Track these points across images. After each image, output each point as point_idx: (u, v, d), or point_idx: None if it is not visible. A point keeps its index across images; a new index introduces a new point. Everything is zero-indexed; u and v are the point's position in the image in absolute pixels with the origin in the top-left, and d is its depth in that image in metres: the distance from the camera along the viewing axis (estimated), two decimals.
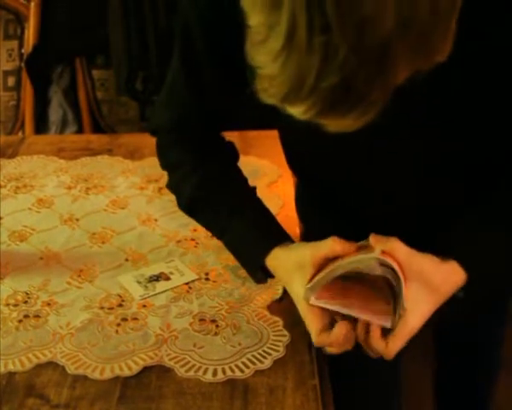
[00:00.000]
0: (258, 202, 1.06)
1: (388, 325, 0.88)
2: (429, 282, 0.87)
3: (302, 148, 1.02)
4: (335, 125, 0.70)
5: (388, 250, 0.85)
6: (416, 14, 0.61)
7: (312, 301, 0.89)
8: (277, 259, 0.97)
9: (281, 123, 1.02)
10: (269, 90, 0.69)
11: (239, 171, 1.09)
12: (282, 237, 0.99)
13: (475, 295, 0.92)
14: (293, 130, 0.97)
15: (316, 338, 0.90)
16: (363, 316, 0.89)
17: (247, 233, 1.02)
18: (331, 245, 0.89)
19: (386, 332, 0.88)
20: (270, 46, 0.64)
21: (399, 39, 0.62)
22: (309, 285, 0.89)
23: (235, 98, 1.02)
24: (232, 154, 1.11)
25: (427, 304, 0.88)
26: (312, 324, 0.91)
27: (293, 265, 0.93)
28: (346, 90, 0.64)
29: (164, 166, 1.13)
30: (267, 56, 0.65)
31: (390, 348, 0.87)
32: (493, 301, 1.28)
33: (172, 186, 1.12)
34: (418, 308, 0.87)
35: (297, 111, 0.69)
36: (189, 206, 1.09)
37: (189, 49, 0.98)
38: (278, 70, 0.65)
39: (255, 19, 0.65)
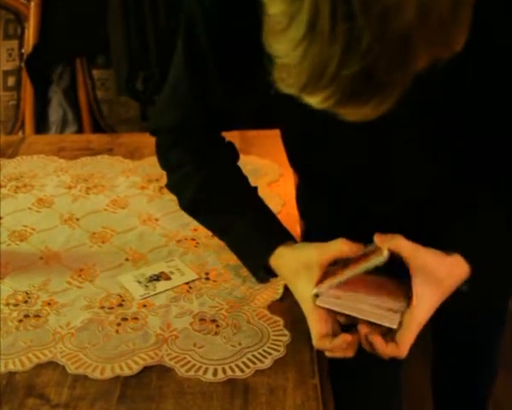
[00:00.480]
0: (260, 202, 1.06)
1: (394, 325, 0.88)
2: (434, 275, 0.88)
3: (305, 145, 1.02)
4: (353, 114, 0.70)
5: (393, 248, 0.85)
6: (437, 3, 0.62)
7: (319, 302, 0.90)
8: (282, 257, 0.97)
9: (284, 121, 1.02)
10: (287, 80, 0.68)
11: (240, 171, 1.09)
12: (284, 236, 0.99)
13: (479, 290, 0.92)
14: (297, 128, 0.97)
15: (317, 342, 0.91)
16: (369, 318, 0.89)
17: (249, 233, 1.02)
18: (339, 247, 0.89)
19: (387, 331, 0.89)
20: (291, 35, 0.64)
21: (420, 28, 0.62)
22: (316, 290, 0.89)
23: (238, 97, 1.02)
24: (232, 154, 1.10)
25: (432, 298, 0.89)
26: (315, 327, 0.91)
27: (298, 265, 0.93)
28: (367, 79, 0.64)
29: (164, 166, 1.12)
30: (287, 45, 0.65)
31: (401, 347, 0.88)
32: (494, 301, 1.28)
33: (172, 187, 1.11)
34: (424, 302, 0.88)
35: (315, 101, 0.69)
36: (191, 207, 1.09)
37: (192, 48, 0.97)
38: (299, 59, 0.65)
39: (275, 8, 0.65)
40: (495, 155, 0.95)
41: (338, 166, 1.00)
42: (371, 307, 0.89)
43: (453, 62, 0.68)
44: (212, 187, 1.06)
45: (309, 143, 1.00)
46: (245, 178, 1.09)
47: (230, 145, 1.11)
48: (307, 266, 0.91)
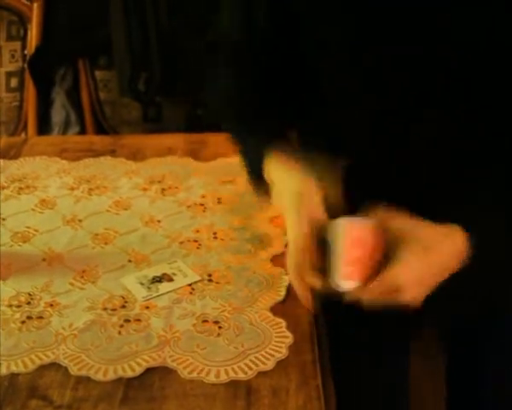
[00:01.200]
0: (280, 132, 1.06)
1: None
2: (419, 242, 0.89)
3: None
4: None
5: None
6: None
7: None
8: (275, 166, 0.98)
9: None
10: None
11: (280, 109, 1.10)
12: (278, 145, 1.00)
13: (478, 288, 0.92)
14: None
15: (293, 253, 0.92)
16: None
17: (254, 144, 1.04)
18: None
19: None
20: None
21: None
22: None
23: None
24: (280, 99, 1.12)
25: (416, 264, 0.88)
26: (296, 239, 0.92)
27: (294, 191, 0.95)
28: None
29: (209, 85, 1.16)
30: None
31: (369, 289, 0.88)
32: (494, 301, 1.27)
33: (208, 94, 1.16)
34: (404, 264, 0.88)
35: None
36: (221, 104, 1.12)
37: None
38: None
39: None
40: (495, 116, 0.95)
41: (343, 128, 1.02)
42: None
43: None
44: (245, 99, 1.09)
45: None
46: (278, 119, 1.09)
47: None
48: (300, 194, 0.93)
